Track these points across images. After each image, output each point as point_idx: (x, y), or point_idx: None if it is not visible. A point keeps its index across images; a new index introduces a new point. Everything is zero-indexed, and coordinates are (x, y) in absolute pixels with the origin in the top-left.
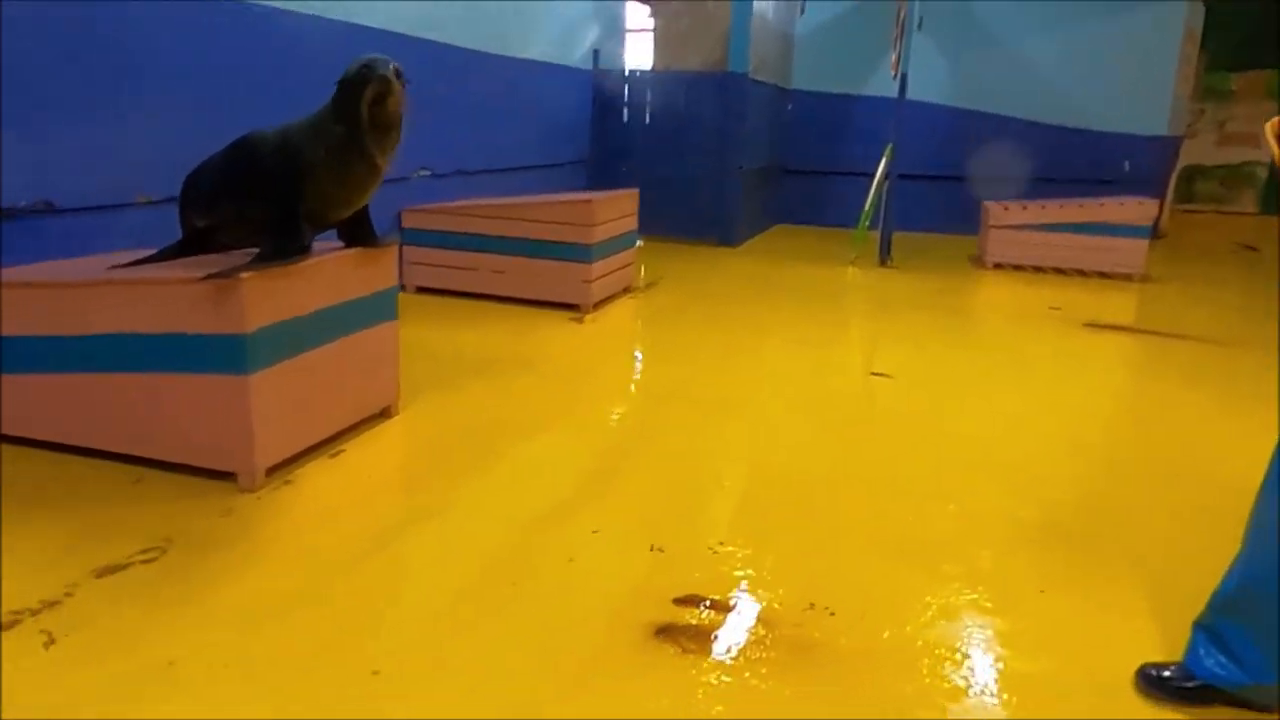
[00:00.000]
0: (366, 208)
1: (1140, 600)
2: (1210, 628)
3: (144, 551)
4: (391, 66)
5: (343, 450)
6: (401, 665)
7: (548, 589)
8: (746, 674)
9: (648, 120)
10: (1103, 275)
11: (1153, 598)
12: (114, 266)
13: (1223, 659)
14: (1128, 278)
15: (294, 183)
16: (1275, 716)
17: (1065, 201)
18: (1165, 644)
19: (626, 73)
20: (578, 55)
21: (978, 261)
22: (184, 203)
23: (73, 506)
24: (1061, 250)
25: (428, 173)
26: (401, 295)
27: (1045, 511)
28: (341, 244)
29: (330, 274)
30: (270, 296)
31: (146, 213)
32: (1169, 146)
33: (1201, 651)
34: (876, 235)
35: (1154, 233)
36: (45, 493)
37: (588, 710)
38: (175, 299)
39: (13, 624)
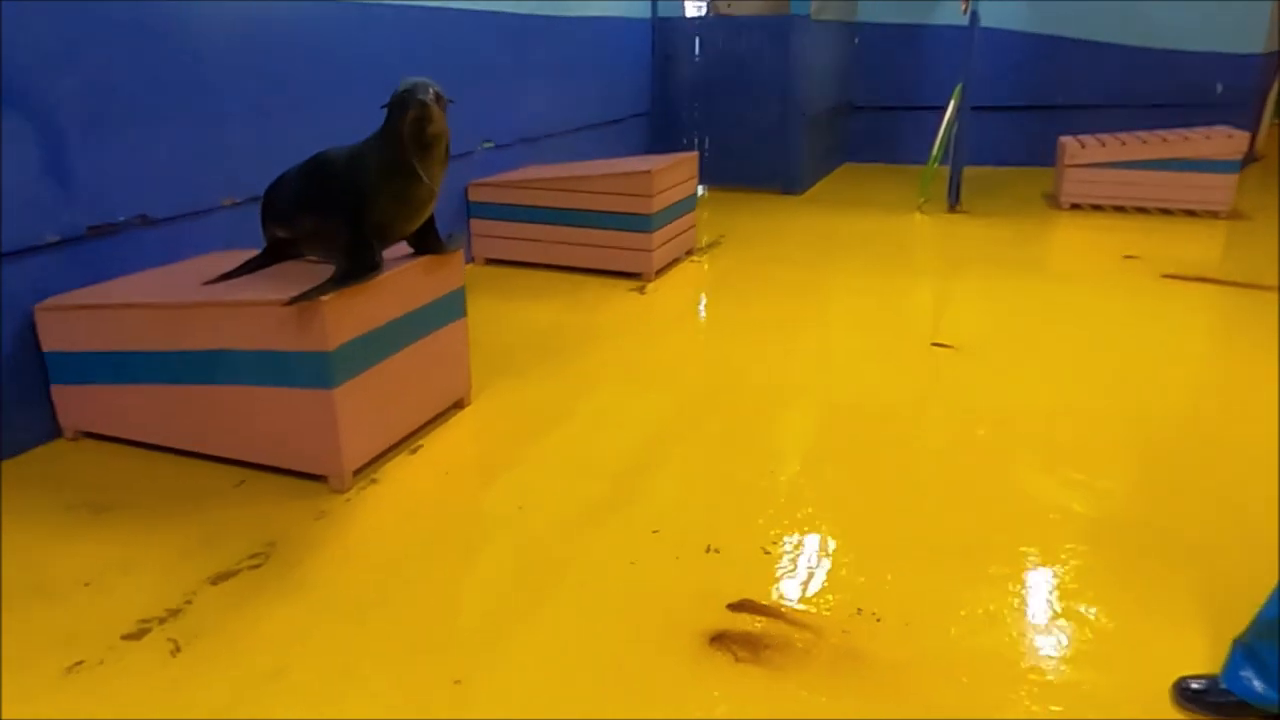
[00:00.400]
0: (431, 217)
1: (1189, 606)
2: (1250, 647)
3: (251, 557)
4: (431, 91)
5: (421, 445)
6: (484, 676)
7: (611, 592)
8: (795, 684)
9: (709, 68)
10: (1188, 213)
11: (1202, 604)
12: (208, 281)
13: (1260, 679)
14: (1214, 215)
15: (359, 204)
16: None
17: (1147, 135)
18: (1210, 656)
19: (686, 19)
20: (635, 7)
21: (1053, 201)
22: (264, 215)
23: (186, 511)
24: (1142, 188)
25: (491, 144)
26: (470, 268)
27: (1099, 504)
28: (410, 252)
29: (401, 285)
30: (349, 314)
31: (231, 214)
32: (1269, 63)
33: (1240, 670)
34: (947, 172)
35: (1249, 158)
36: (164, 496)
37: (650, 717)
38: (265, 320)
39: (143, 633)
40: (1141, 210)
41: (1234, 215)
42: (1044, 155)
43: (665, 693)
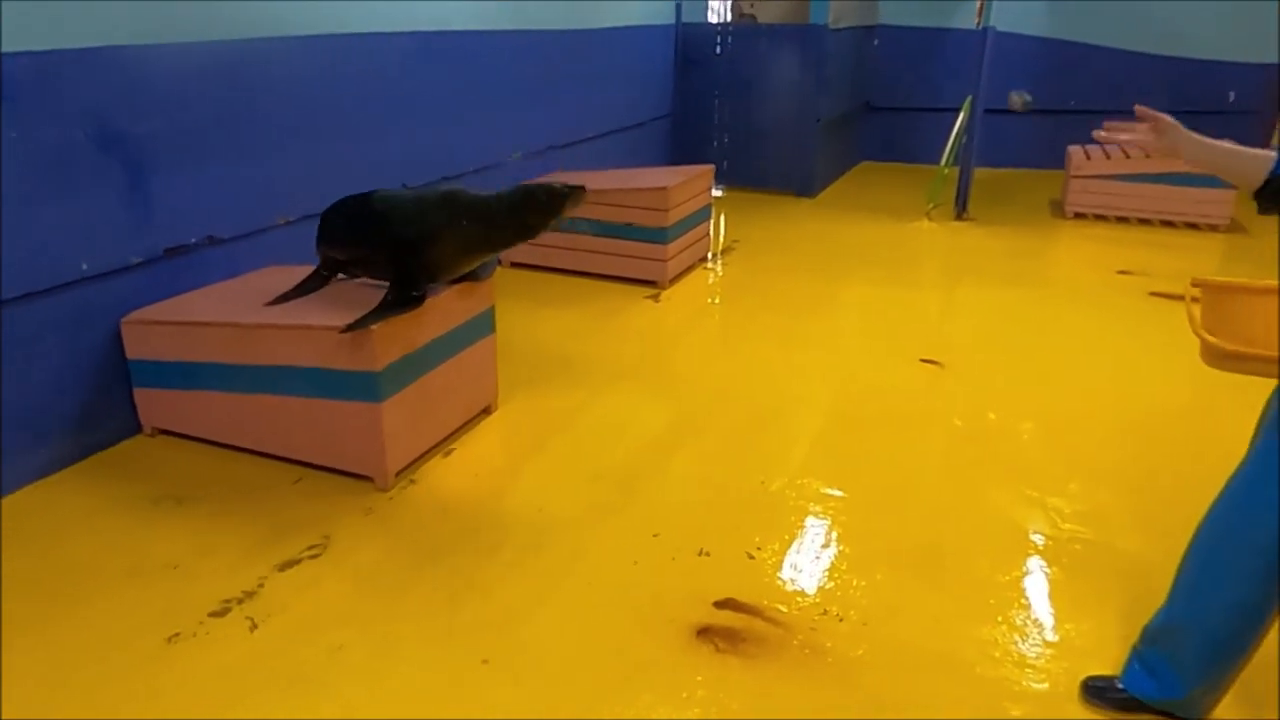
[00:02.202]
0: None
1: (1116, 614)
2: (1142, 653)
3: (310, 547)
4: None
5: (453, 449)
6: (507, 656)
7: (615, 588)
8: (765, 673)
9: (729, 73)
10: (1190, 225)
11: (1127, 613)
12: (270, 302)
13: (1149, 678)
14: (1214, 228)
15: (417, 246)
16: None
17: None
18: (1118, 660)
19: (708, 25)
20: (660, 13)
21: (1058, 209)
22: (321, 238)
23: (253, 505)
24: (1144, 200)
25: (519, 155)
26: (499, 270)
27: (1052, 519)
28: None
29: (440, 310)
30: (394, 338)
31: (286, 232)
32: None
33: (1134, 672)
34: (957, 175)
35: None
36: (233, 490)
37: (640, 698)
38: (322, 342)
39: (225, 611)
40: (1144, 222)
41: (1233, 228)
42: (1056, 159)
43: (656, 676)
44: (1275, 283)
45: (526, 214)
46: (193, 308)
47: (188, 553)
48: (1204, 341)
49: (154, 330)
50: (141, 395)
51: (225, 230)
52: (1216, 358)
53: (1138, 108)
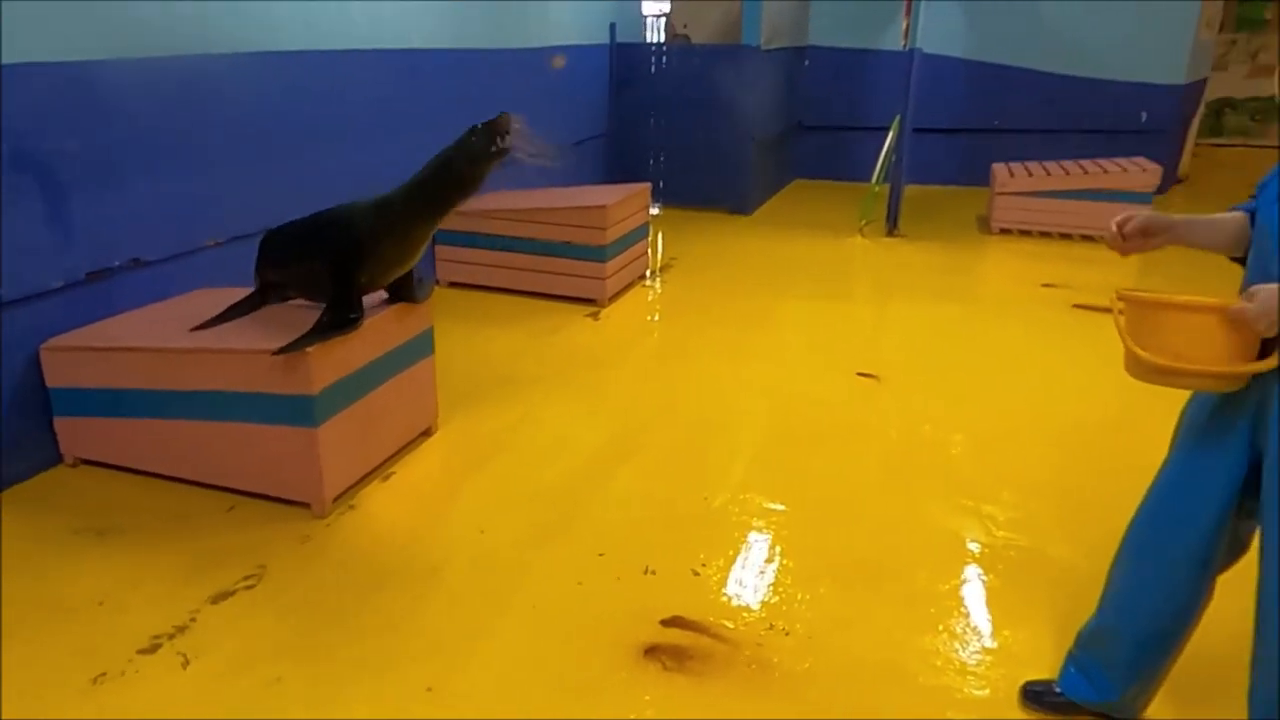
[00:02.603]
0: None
1: (1051, 621)
2: (1076, 658)
3: (246, 578)
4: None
5: (393, 472)
6: (452, 683)
7: (561, 609)
8: (713, 690)
9: (664, 92)
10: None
11: (1062, 619)
12: (197, 327)
13: (1084, 681)
14: None
15: (355, 252)
16: None
17: (1070, 165)
18: (1054, 664)
19: (643, 45)
20: (595, 33)
21: (984, 224)
22: (260, 260)
23: (183, 535)
24: (1066, 216)
25: None
26: (435, 290)
27: (987, 529)
28: (385, 298)
29: (377, 331)
30: (330, 360)
31: (215, 253)
32: (1189, 93)
33: (1070, 676)
34: (887, 192)
35: (1173, 180)
36: (161, 520)
37: (592, 717)
38: (254, 365)
39: (155, 647)
40: (1065, 236)
41: None
42: (982, 176)
43: (604, 697)
44: (1194, 297)
45: (463, 162)
46: (117, 332)
47: (114, 586)
48: (1134, 355)
49: (76, 357)
50: (62, 424)
51: (151, 252)
52: (1146, 371)
53: (1117, 225)
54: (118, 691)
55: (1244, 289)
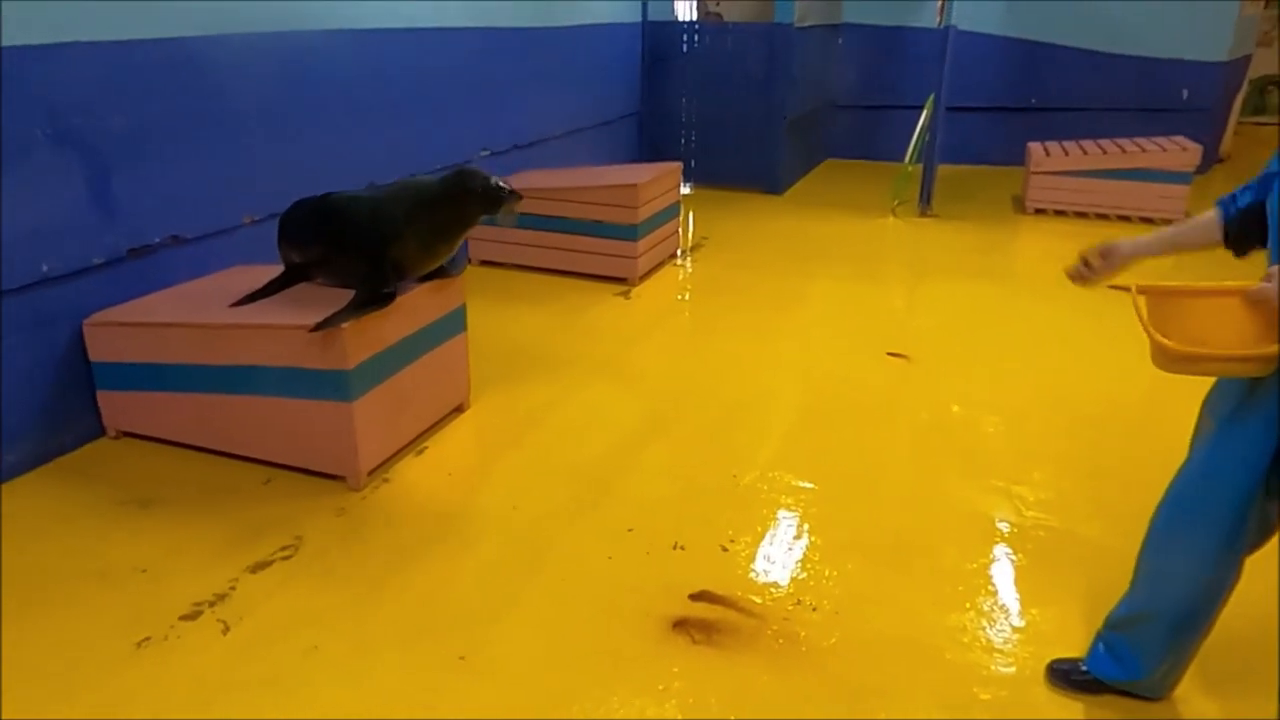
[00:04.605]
0: None
1: (1072, 602)
2: (1105, 637)
3: (283, 549)
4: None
5: (426, 447)
6: (484, 653)
7: (591, 583)
8: (740, 663)
9: (696, 70)
10: (1145, 220)
11: (1090, 599)
12: (235, 303)
13: (1112, 661)
14: (1169, 222)
15: (383, 243)
16: (1150, 703)
17: (1107, 144)
18: (1081, 643)
19: (676, 23)
20: (627, 11)
21: (1019, 204)
22: (281, 242)
23: (223, 506)
24: (1102, 196)
25: (487, 152)
26: (469, 268)
27: (1016, 507)
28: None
29: (410, 308)
30: (365, 336)
31: (251, 230)
32: (1232, 71)
33: (1098, 655)
34: (920, 172)
35: (1213, 160)
36: (201, 492)
37: (618, 691)
38: (292, 341)
39: (196, 614)
40: (1102, 217)
41: None
42: (1018, 155)
43: (634, 669)
44: (1213, 283)
45: (461, 197)
46: (157, 308)
47: (156, 556)
48: (1159, 346)
49: (118, 332)
50: (105, 398)
51: (190, 230)
52: (1172, 360)
53: (1083, 258)
54: (160, 656)
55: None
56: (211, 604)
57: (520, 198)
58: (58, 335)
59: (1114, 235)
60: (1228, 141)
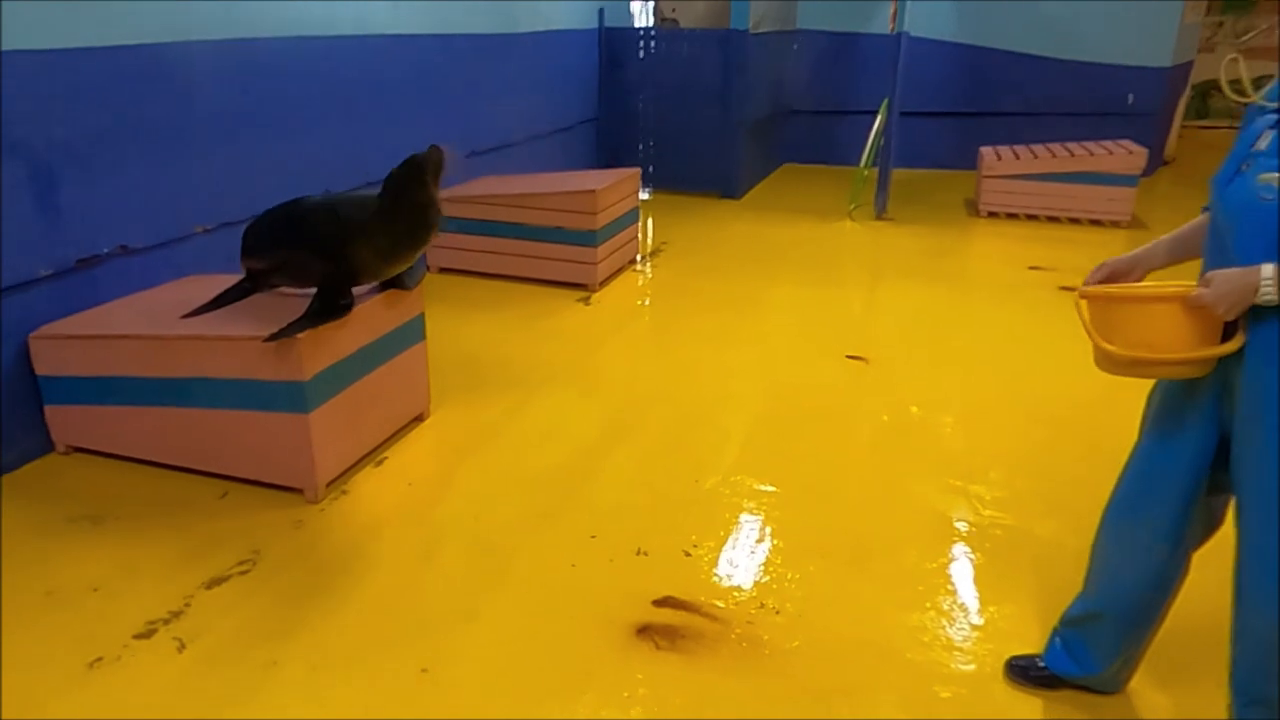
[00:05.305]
0: None
1: (1029, 599)
2: (1061, 634)
3: (240, 564)
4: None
5: (385, 458)
6: (446, 664)
7: (554, 591)
8: (705, 668)
9: (653, 76)
10: (1094, 222)
11: (1044, 597)
12: (187, 314)
13: (1068, 657)
14: (1117, 224)
15: (342, 250)
16: (1106, 696)
17: (1057, 148)
18: (1038, 639)
19: (632, 29)
20: (584, 17)
21: (972, 207)
22: (244, 250)
23: (177, 521)
24: (1052, 199)
25: None
26: (428, 276)
27: (975, 512)
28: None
29: (368, 317)
30: (321, 346)
31: (204, 240)
32: (1175, 76)
33: (1055, 652)
34: (876, 176)
35: (1159, 163)
36: (155, 507)
37: (582, 699)
38: (245, 352)
39: (151, 633)
40: (1052, 219)
41: (1134, 224)
42: (970, 159)
43: (598, 676)
44: (1153, 287)
45: (399, 194)
46: (107, 320)
47: (109, 573)
48: (1102, 350)
49: (65, 345)
50: (53, 412)
51: (139, 239)
52: (1115, 365)
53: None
54: (113, 676)
55: (1201, 276)
56: (166, 621)
57: (438, 148)
58: (3, 349)
59: (1064, 237)
60: (1172, 145)
